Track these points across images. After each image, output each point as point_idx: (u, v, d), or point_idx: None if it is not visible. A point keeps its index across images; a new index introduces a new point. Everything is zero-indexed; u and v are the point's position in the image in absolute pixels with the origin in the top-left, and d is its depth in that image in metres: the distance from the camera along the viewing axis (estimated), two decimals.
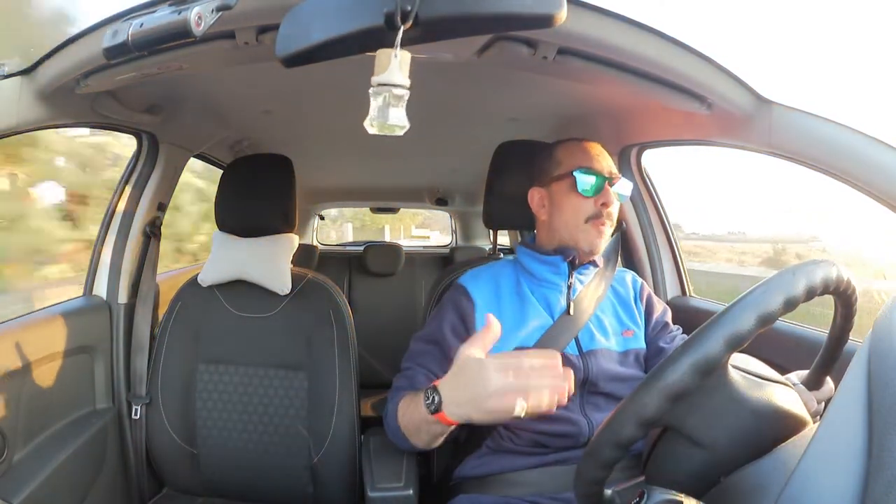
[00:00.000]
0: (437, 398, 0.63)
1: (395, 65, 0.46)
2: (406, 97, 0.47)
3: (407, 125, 0.48)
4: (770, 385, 0.49)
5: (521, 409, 0.57)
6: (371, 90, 0.47)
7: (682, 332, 0.91)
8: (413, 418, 0.71)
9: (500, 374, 0.59)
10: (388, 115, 0.47)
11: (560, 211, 0.85)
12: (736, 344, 0.42)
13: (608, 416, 0.46)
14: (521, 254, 0.90)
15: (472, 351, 0.62)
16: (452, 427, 0.66)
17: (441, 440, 0.73)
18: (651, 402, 0.43)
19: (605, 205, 0.81)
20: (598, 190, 0.81)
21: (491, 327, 0.63)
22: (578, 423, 0.78)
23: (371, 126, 0.48)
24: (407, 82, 0.47)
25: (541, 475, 0.77)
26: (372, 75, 0.47)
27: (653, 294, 0.94)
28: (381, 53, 0.46)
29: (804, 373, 0.64)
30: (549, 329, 0.81)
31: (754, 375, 0.49)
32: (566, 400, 0.60)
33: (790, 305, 0.43)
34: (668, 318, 0.91)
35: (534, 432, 0.78)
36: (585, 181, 0.81)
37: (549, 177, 0.86)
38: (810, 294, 0.44)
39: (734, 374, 0.48)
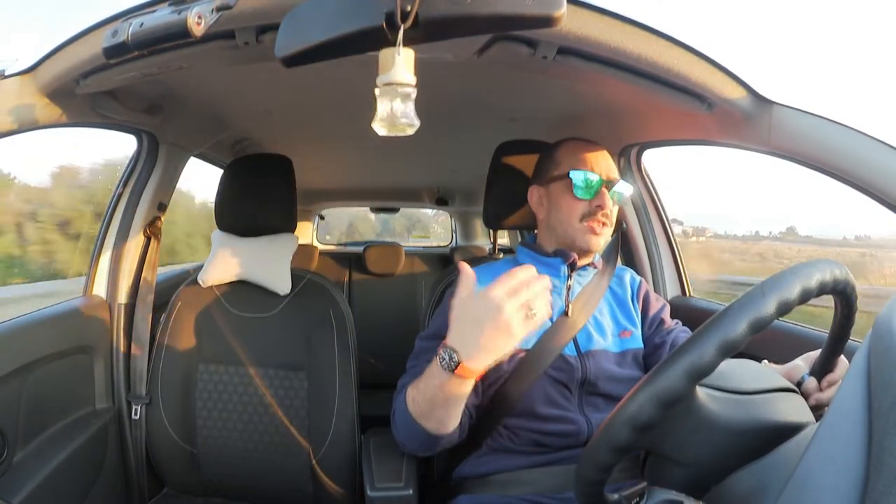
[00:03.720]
0: (452, 354, 0.63)
1: (399, 62, 0.45)
2: (413, 95, 0.47)
3: (417, 123, 0.48)
4: (743, 399, 0.47)
5: (535, 316, 0.60)
6: (377, 90, 0.47)
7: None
8: (426, 394, 0.69)
9: (505, 295, 0.60)
10: (397, 114, 0.46)
11: (557, 210, 0.86)
12: (699, 376, 0.41)
13: (592, 440, 0.45)
14: (522, 254, 0.91)
15: (463, 294, 0.64)
16: (469, 391, 0.67)
17: (456, 422, 0.72)
18: (620, 432, 0.42)
19: (601, 206, 0.82)
20: (593, 192, 0.82)
21: (464, 270, 0.65)
22: (578, 423, 0.78)
23: (380, 127, 0.48)
24: (413, 80, 0.46)
25: (541, 474, 0.77)
26: (372, 74, 0.47)
27: (651, 291, 0.94)
28: (385, 53, 0.46)
29: (814, 354, 0.62)
30: (548, 330, 0.81)
31: (727, 391, 0.47)
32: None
33: (757, 328, 0.41)
34: (666, 313, 0.91)
35: (533, 432, 0.78)
36: (580, 183, 0.82)
37: (548, 176, 0.87)
38: (783, 310, 0.42)
39: (702, 395, 0.46)
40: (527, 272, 0.62)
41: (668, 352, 0.85)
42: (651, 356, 0.87)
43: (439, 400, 0.68)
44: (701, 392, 0.46)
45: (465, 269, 0.66)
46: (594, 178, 0.82)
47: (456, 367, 0.62)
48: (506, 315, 0.59)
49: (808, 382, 0.59)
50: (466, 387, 0.66)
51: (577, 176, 0.82)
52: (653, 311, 0.90)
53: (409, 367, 0.84)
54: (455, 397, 0.67)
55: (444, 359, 0.63)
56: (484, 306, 0.61)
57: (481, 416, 0.81)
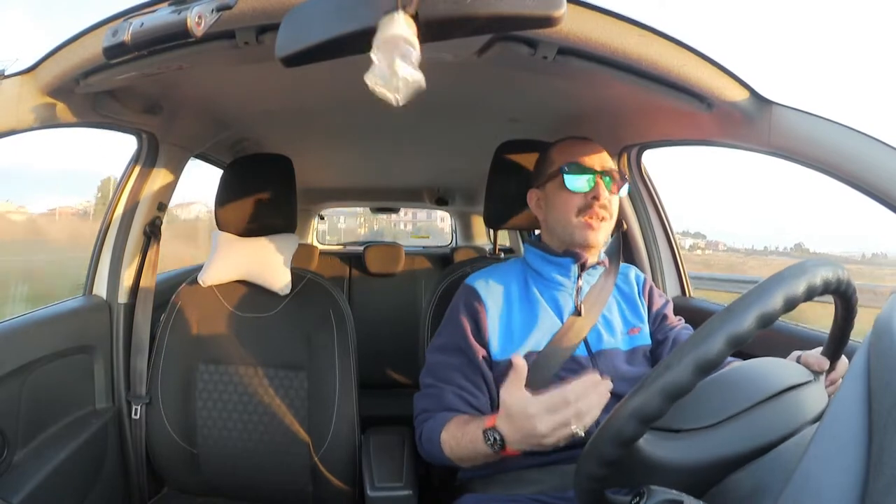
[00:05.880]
0: (498, 437, 0.65)
1: (399, 18, 0.42)
2: (415, 57, 0.42)
3: (423, 83, 0.42)
4: (674, 438, 0.47)
5: (577, 430, 0.59)
6: (373, 52, 0.42)
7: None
8: (467, 451, 0.71)
9: (548, 416, 0.59)
10: (398, 70, 0.41)
11: (553, 208, 0.86)
12: (707, 369, 0.40)
13: (595, 434, 0.45)
14: (529, 253, 0.91)
15: (513, 393, 0.63)
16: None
17: None
18: (627, 424, 0.42)
19: (596, 198, 0.82)
20: (588, 184, 0.82)
21: (517, 367, 0.64)
22: None
23: (375, 84, 0.42)
24: (416, 41, 0.42)
25: (546, 474, 0.77)
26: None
27: (654, 287, 0.95)
28: (385, 18, 0.42)
29: (810, 352, 0.61)
30: (559, 331, 0.81)
31: (672, 430, 0.47)
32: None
33: (765, 322, 0.41)
34: (669, 309, 0.92)
35: None
36: (573, 177, 0.82)
37: (544, 176, 0.88)
38: (790, 305, 0.42)
39: (643, 444, 0.46)
40: (583, 383, 0.60)
41: (670, 349, 0.86)
42: (654, 352, 0.87)
43: (480, 458, 0.71)
44: (642, 442, 0.45)
45: (518, 364, 0.64)
46: (587, 170, 0.82)
47: (501, 449, 0.65)
48: (545, 433, 0.60)
49: None
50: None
51: (569, 168, 0.82)
52: (656, 306, 0.91)
53: (426, 386, 0.84)
54: (497, 459, 0.70)
55: (489, 439, 0.66)
56: (525, 418, 0.61)
57: None
